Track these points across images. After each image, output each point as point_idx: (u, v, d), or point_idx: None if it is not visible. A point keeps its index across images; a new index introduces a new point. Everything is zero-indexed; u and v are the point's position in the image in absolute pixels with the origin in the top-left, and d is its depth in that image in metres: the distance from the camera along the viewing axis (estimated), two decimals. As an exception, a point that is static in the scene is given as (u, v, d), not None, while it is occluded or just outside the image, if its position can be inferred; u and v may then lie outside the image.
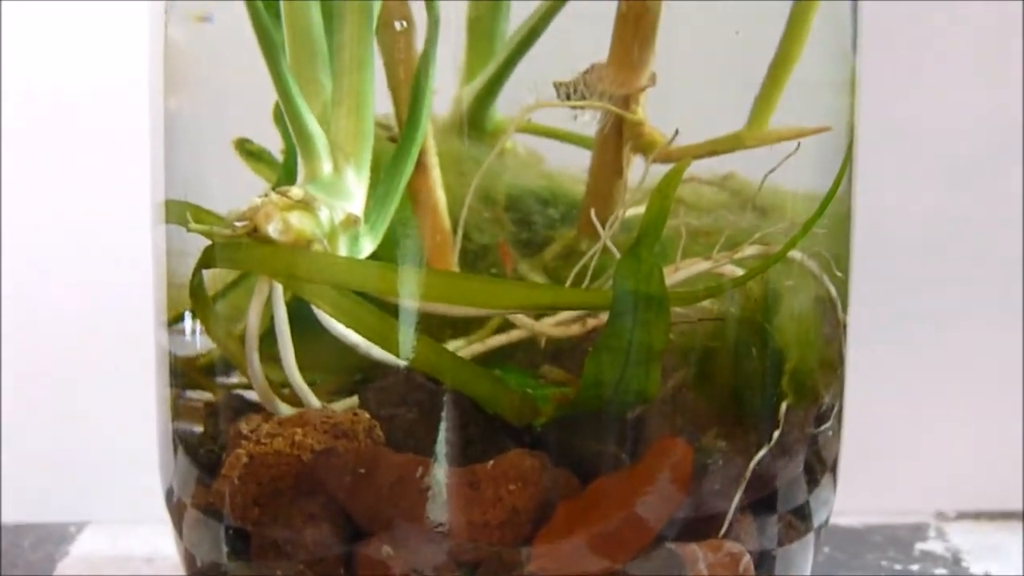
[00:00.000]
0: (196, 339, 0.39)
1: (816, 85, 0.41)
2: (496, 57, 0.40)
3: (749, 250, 0.35)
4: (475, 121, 0.40)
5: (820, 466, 0.39)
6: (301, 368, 0.35)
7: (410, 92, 0.36)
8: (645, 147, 0.38)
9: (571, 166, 0.41)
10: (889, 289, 0.56)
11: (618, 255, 0.33)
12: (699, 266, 0.34)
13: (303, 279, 0.33)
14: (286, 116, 0.34)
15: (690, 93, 0.38)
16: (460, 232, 0.37)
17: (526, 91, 0.39)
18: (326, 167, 0.34)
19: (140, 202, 0.41)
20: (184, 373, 0.40)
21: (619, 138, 0.38)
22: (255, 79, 0.35)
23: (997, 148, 0.57)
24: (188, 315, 0.38)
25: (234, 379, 0.39)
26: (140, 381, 0.43)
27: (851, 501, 0.46)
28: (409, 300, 0.33)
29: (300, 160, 0.34)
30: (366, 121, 0.35)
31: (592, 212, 0.37)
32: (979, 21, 0.57)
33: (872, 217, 0.46)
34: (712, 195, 0.41)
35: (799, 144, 0.37)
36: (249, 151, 0.38)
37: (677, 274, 0.34)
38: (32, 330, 0.56)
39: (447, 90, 0.40)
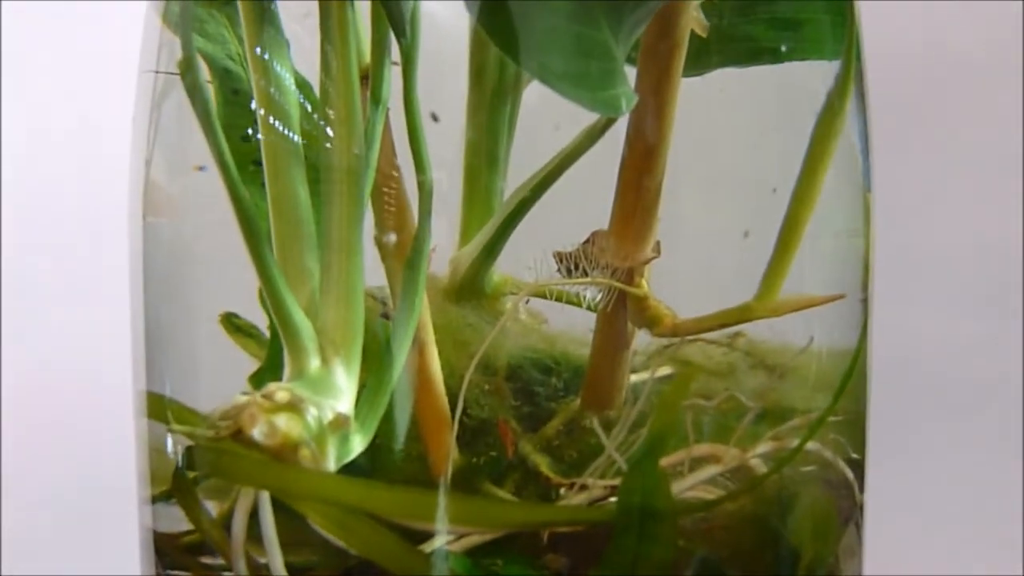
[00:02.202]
0: (179, 520, 0.37)
1: (831, 236, 0.39)
2: (494, 218, 0.38)
3: (762, 448, 0.33)
4: (473, 285, 0.39)
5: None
6: (289, 552, 0.33)
7: (403, 272, 0.34)
8: (650, 322, 0.36)
9: (575, 326, 0.39)
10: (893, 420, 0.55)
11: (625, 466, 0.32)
12: (709, 471, 0.32)
13: (291, 495, 0.31)
14: (271, 307, 0.32)
15: (696, 261, 0.37)
16: (459, 408, 0.35)
17: (526, 249, 0.38)
18: (313, 362, 0.32)
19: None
20: (167, 552, 0.38)
21: (623, 311, 0.36)
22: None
23: (1001, 278, 0.55)
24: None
25: (220, 560, 0.37)
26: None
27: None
28: (403, 520, 0.31)
29: (286, 352, 0.33)
30: (356, 310, 0.33)
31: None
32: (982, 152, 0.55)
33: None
34: (721, 356, 0.39)
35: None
36: (237, 326, 0.37)
37: (685, 481, 0.32)
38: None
39: (443, 249, 0.38)
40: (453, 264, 0.39)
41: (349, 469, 0.33)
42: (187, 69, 0.31)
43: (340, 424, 0.32)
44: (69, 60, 0.59)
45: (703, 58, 0.35)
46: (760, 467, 0.34)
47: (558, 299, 0.39)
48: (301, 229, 0.33)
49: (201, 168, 0.37)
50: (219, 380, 0.36)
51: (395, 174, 0.35)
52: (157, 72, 0.38)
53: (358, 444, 0.32)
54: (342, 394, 0.32)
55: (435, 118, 0.34)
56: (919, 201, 0.55)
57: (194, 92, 0.32)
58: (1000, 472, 0.55)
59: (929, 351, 0.55)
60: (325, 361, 0.32)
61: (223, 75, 0.36)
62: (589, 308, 0.37)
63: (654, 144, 0.34)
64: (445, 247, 0.38)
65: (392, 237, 0.35)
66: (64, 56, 0.59)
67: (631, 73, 0.33)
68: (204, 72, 0.35)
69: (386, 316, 0.36)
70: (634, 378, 0.38)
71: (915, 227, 0.55)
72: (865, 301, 0.40)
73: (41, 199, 0.58)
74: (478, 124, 0.37)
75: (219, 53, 0.36)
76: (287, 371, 0.33)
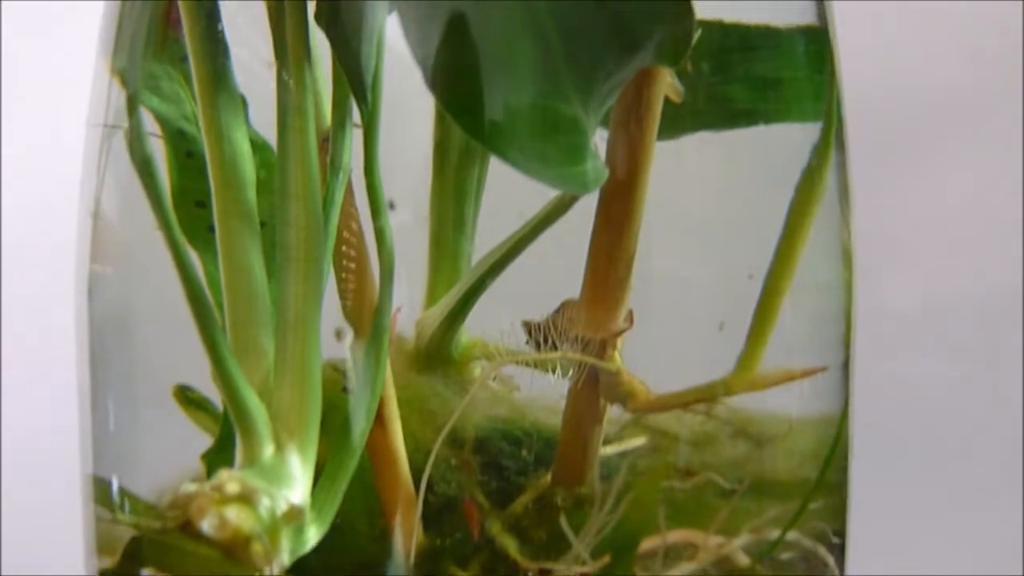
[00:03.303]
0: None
1: (810, 291, 0.38)
2: (462, 283, 0.36)
3: (739, 540, 0.31)
4: (440, 349, 0.37)
5: None
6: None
7: (364, 346, 0.33)
8: (623, 397, 0.34)
9: (546, 393, 0.38)
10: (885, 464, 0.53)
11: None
12: (686, 568, 0.30)
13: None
14: (222, 391, 0.31)
15: (670, 332, 0.35)
16: (423, 485, 0.34)
17: (493, 310, 0.36)
18: (267, 448, 0.31)
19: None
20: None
21: (595, 385, 0.35)
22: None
23: (995, 324, 0.54)
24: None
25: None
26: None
27: None
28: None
29: (238, 436, 0.31)
30: (313, 392, 0.31)
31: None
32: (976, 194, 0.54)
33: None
34: (698, 424, 0.38)
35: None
36: (189, 399, 0.35)
37: (659, 577, 0.30)
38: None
39: (408, 309, 0.37)
40: (419, 327, 0.37)
41: (305, 557, 0.31)
42: (135, 141, 0.30)
43: (294, 516, 0.30)
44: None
45: (678, 121, 0.33)
46: (740, 556, 0.32)
47: (528, 365, 0.37)
48: (255, 304, 0.32)
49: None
50: (170, 458, 0.34)
51: (354, 241, 0.33)
52: (106, 126, 0.37)
53: (314, 535, 0.31)
54: (297, 483, 0.31)
55: (392, 205, 0.33)
56: (900, 248, 0.54)
57: (142, 166, 0.30)
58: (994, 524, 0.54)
59: (916, 400, 0.54)
60: (279, 447, 0.31)
61: (177, 137, 0.34)
62: (561, 375, 0.36)
63: (625, 213, 0.32)
64: (410, 308, 0.37)
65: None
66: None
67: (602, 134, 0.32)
68: (153, 144, 0.33)
69: (347, 390, 0.34)
70: (607, 450, 0.36)
71: (896, 277, 0.53)
72: (847, 363, 0.39)
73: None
74: (444, 187, 0.35)
75: (173, 113, 0.35)
76: (239, 457, 0.31)
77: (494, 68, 0.27)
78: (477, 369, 0.38)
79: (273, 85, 0.33)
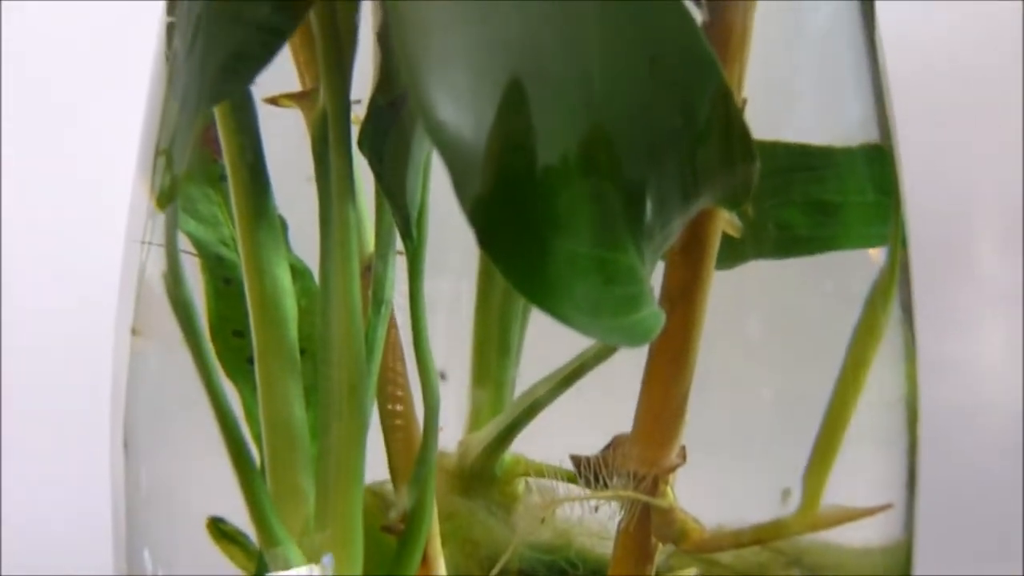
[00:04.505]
0: None
1: (872, 407, 0.36)
2: (508, 411, 0.35)
3: None
4: (483, 473, 0.36)
5: None
6: None
7: (409, 488, 0.31)
8: (676, 536, 0.33)
9: (594, 517, 0.36)
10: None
11: None
12: None
13: None
14: (259, 538, 0.30)
15: (724, 464, 0.34)
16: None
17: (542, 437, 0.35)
18: (307, 600, 0.29)
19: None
20: None
21: (646, 522, 0.33)
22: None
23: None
24: None
25: None
26: None
27: None
28: None
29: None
30: (355, 539, 0.30)
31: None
32: None
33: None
34: (752, 554, 0.36)
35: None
36: (223, 532, 0.34)
37: None
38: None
39: (450, 428, 0.35)
40: (462, 448, 0.36)
41: None
42: (173, 284, 0.29)
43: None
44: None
45: (733, 251, 0.32)
46: None
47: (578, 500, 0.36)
48: (296, 446, 0.31)
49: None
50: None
51: (400, 380, 0.32)
52: (144, 243, 0.36)
53: None
54: (337, 636, 0.29)
55: (443, 376, 0.32)
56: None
57: (181, 310, 0.29)
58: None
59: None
60: (320, 597, 0.30)
61: (215, 262, 0.33)
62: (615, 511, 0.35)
63: (681, 347, 0.31)
64: (454, 427, 0.36)
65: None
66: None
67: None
68: (189, 266, 0.32)
69: (390, 530, 0.33)
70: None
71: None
72: (912, 490, 0.37)
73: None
74: (488, 311, 0.34)
75: (211, 237, 0.33)
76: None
77: (545, 220, 0.26)
78: (521, 485, 0.36)
79: (314, 203, 0.32)
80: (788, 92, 0.34)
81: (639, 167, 0.26)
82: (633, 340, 0.28)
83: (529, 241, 0.26)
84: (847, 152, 0.34)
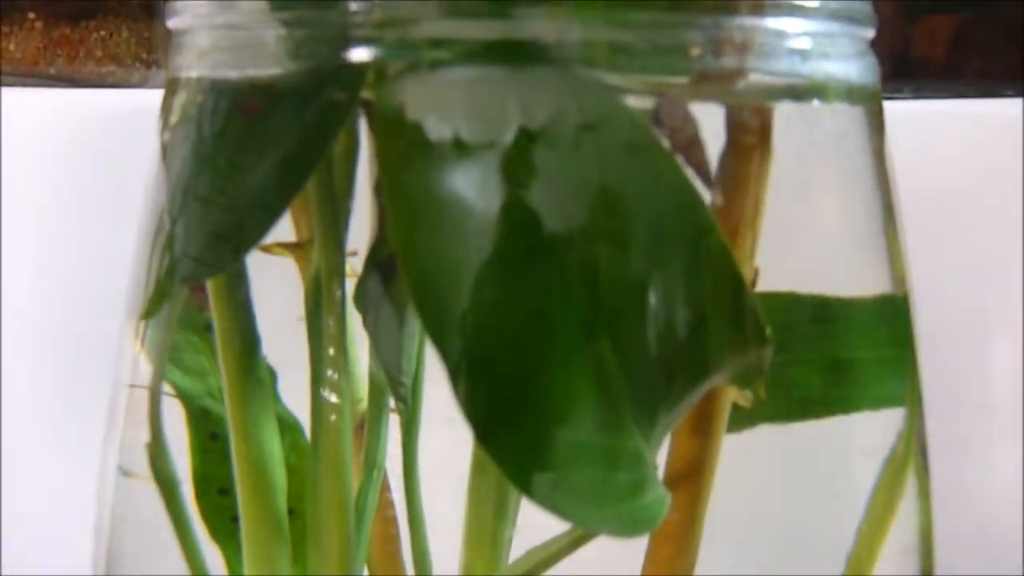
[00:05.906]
0: None
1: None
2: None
3: None
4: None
5: None
6: None
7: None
8: None
9: None
10: None
11: None
12: None
13: None
14: None
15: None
16: None
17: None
18: None
19: None
20: None
21: None
22: None
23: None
24: None
25: None
26: None
27: None
28: None
29: None
30: None
31: None
32: None
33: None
34: None
35: None
36: None
37: None
38: None
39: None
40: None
41: None
42: (157, 457, 0.27)
43: None
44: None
45: (739, 418, 0.31)
46: None
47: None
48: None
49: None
50: None
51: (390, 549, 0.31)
52: (132, 386, 0.34)
53: None
54: None
55: None
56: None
57: (165, 485, 0.27)
58: None
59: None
60: None
61: (200, 416, 0.32)
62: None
63: (686, 523, 0.30)
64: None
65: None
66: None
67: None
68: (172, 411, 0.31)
69: None
70: None
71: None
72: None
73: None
74: (485, 472, 0.33)
75: (197, 389, 0.32)
76: None
77: (543, 409, 0.24)
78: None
79: (304, 346, 0.31)
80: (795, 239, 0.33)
81: (645, 350, 0.25)
82: (636, 529, 0.27)
83: (528, 435, 0.25)
84: (860, 303, 0.33)
